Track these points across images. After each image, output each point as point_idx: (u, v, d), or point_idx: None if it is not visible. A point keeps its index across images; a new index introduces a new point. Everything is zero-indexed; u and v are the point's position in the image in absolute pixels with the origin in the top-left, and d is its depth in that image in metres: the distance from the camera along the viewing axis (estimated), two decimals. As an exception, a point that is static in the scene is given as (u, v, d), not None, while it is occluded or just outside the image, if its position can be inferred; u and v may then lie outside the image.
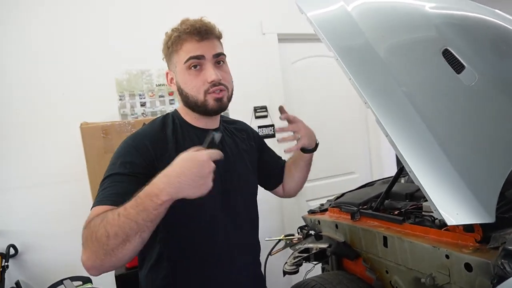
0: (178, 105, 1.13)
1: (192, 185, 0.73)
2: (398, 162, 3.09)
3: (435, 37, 1.16)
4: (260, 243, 1.19)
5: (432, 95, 1.04)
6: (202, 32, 0.97)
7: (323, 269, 1.71)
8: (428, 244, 0.91)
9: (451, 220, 0.78)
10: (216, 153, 0.78)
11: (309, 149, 1.22)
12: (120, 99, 2.12)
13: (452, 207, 0.80)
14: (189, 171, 0.73)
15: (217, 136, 0.84)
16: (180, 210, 0.94)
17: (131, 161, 0.90)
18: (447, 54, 1.10)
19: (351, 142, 2.91)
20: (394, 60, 1.11)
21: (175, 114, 1.07)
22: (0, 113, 1.89)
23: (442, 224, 1.03)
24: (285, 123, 1.24)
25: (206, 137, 0.84)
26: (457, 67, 1.08)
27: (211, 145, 0.82)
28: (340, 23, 1.23)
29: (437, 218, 1.06)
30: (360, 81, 1.06)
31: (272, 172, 1.30)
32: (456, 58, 1.09)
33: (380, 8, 1.28)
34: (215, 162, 0.78)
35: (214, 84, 0.96)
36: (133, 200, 0.73)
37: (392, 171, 2.99)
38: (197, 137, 1.02)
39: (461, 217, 0.78)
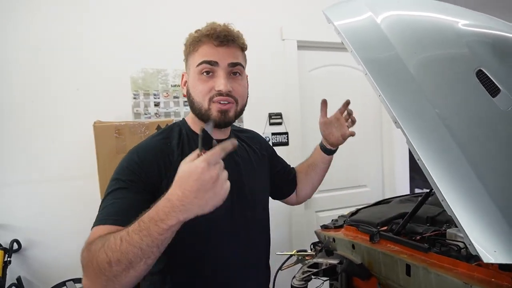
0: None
1: (199, 203, 0.64)
2: (412, 180, 3.03)
3: (468, 56, 1.11)
4: (270, 266, 1.17)
5: (467, 118, 0.99)
6: (221, 37, 0.92)
7: (331, 285, 1.65)
8: (458, 279, 0.85)
9: (488, 257, 0.72)
10: (215, 153, 0.64)
11: (333, 150, 1.26)
12: (135, 98, 2.08)
13: (490, 243, 0.75)
14: (190, 190, 0.63)
15: (209, 127, 0.70)
16: (183, 229, 0.90)
17: (134, 178, 0.85)
18: (481, 75, 1.05)
19: (364, 154, 2.85)
20: (427, 78, 1.05)
21: (182, 124, 1.02)
22: (12, 106, 1.87)
23: (469, 256, 0.97)
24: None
25: (199, 136, 0.68)
26: (492, 90, 1.03)
27: (206, 142, 0.68)
28: (369, 35, 1.18)
29: (463, 248, 1.01)
30: (391, 99, 1.00)
31: (284, 181, 1.27)
32: (491, 80, 1.04)
33: (410, 22, 1.23)
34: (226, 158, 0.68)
35: (221, 94, 0.91)
36: (136, 224, 0.66)
37: (405, 187, 2.92)
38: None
39: (500, 256, 0.72)
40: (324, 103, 1.24)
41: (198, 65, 0.91)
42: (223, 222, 0.95)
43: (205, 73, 0.91)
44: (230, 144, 0.67)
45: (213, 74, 0.92)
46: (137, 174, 0.86)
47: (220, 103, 0.92)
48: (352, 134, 1.23)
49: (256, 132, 1.25)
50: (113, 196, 0.83)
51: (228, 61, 0.92)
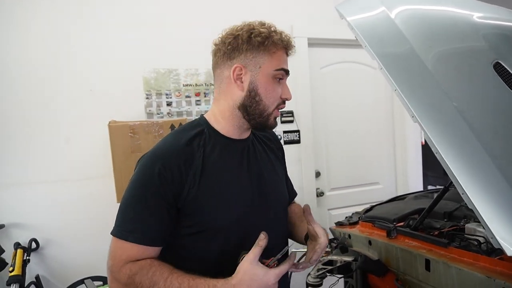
0: (207, 107, 1.05)
1: None
2: (425, 177, 2.99)
3: (485, 49, 1.09)
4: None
5: (486, 111, 0.97)
6: (291, 49, 0.97)
7: (346, 283, 1.65)
8: (480, 273, 0.84)
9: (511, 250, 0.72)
10: (284, 271, 0.79)
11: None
12: (147, 98, 2.10)
13: (513, 236, 0.73)
14: None
15: (288, 250, 0.85)
16: (207, 229, 0.90)
17: (158, 190, 0.84)
18: (498, 68, 1.03)
19: (376, 151, 2.83)
20: (443, 72, 1.04)
21: (204, 122, 0.98)
22: (27, 107, 1.90)
23: (490, 250, 0.96)
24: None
25: (282, 251, 0.83)
26: (511, 82, 1.01)
27: (283, 258, 0.82)
28: (383, 29, 1.17)
29: (483, 243, 1.00)
30: (407, 93, 0.99)
31: None
32: (509, 72, 1.02)
33: (425, 15, 1.21)
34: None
35: (284, 102, 0.97)
36: None
37: (418, 184, 2.90)
38: (226, 149, 0.95)
39: (524, 249, 0.71)
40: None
41: (277, 70, 0.93)
42: (245, 222, 0.93)
43: (278, 79, 0.94)
44: (294, 258, 0.82)
45: (281, 81, 0.96)
46: (162, 187, 0.84)
47: (278, 110, 0.97)
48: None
49: (273, 131, 1.21)
50: (135, 211, 0.85)
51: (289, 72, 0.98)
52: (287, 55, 0.97)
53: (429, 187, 3.46)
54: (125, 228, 0.84)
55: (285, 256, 0.83)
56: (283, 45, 0.94)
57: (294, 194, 1.26)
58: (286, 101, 0.99)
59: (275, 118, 0.97)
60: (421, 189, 2.89)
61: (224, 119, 0.96)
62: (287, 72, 0.96)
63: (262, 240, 0.80)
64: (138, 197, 0.86)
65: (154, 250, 0.86)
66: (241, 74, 0.92)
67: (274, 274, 0.76)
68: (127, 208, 0.86)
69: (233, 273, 0.89)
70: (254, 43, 0.90)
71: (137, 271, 0.81)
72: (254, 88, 0.92)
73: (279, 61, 0.93)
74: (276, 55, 0.92)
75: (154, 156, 0.88)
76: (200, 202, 0.87)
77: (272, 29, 0.94)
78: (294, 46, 0.98)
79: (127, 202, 0.87)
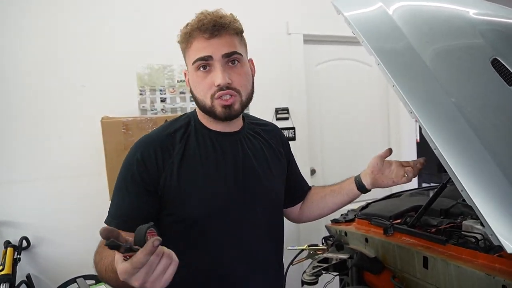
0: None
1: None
2: (419, 175, 3.00)
3: (482, 45, 1.08)
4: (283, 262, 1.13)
5: (484, 107, 0.97)
6: (210, 28, 0.86)
7: (341, 280, 1.64)
8: (479, 270, 0.83)
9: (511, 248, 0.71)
10: (135, 263, 0.56)
11: (368, 189, 1.15)
12: (141, 94, 2.07)
13: (513, 233, 0.73)
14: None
15: (143, 229, 0.59)
16: (183, 219, 0.89)
17: (137, 178, 0.87)
18: (496, 64, 1.03)
19: (371, 149, 2.81)
20: (441, 68, 1.03)
21: (192, 115, 0.99)
22: (17, 104, 1.86)
23: (488, 248, 0.96)
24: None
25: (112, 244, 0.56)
26: (508, 78, 1.01)
27: (139, 242, 0.58)
28: (380, 25, 1.16)
29: (481, 240, 0.99)
30: (406, 89, 0.98)
31: (291, 189, 1.17)
32: (507, 69, 1.02)
33: (422, 12, 1.21)
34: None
35: (221, 88, 0.87)
36: (110, 267, 0.72)
37: (412, 182, 2.89)
38: (210, 141, 0.95)
39: (524, 246, 0.70)
40: (388, 150, 1.18)
41: (193, 63, 0.88)
42: (225, 216, 0.92)
43: (201, 68, 0.88)
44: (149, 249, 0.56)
45: (210, 68, 0.88)
46: (140, 173, 0.87)
47: (222, 98, 0.88)
48: (406, 181, 1.10)
49: (276, 126, 1.19)
50: (118, 197, 0.90)
51: (222, 52, 0.87)
52: (214, 36, 0.87)
53: (423, 185, 3.47)
54: (111, 215, 0.88)
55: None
56: (197, 34, 0.87)
57: (307, 187, 1.27)
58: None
59: (224, 107, 0.88)
60: (416, 186, 2.90)
61: (202, 114, 0.97)
62: (205, 58, 0.87)
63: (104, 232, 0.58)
64: (121, 184, 0.90)
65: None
66: (188, 78, 0.96)
67: (121, 268, 0.57)
68: (114, 195, 0.91)
69: (214, 268, 0.93)
70: (181, 46, 0.94)
71: (97, 251, 0.82)
72: (190, 88, 0.94)
73: (194, 52, 0.88)
74: (191, 49, 0.90)
75: (137, 145, 0.92)
76: (176, 192, 0.88)
77: (194, 19, 0.90)
78: (216, 22, 0.87)
79: (114, 190, 0.91)
